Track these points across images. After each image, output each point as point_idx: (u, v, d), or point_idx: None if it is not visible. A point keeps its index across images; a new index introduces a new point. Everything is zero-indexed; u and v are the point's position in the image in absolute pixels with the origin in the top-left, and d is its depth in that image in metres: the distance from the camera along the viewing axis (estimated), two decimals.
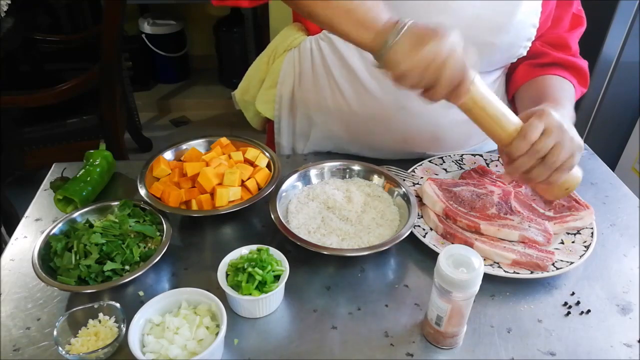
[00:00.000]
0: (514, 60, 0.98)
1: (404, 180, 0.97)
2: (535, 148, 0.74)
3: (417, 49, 0.66)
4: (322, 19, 0.73)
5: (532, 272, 0.79)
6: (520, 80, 1.02)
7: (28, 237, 0.88)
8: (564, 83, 0.97)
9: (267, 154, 0.97)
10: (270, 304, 0.74)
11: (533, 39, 0.94)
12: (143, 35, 2.96)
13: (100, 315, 0.71)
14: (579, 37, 1.02)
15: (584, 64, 1.01)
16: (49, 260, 0.78)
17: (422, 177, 0.99)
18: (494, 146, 1.09)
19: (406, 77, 0.69)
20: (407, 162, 1.04)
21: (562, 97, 0.91)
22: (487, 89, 0.74)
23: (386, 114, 0.98)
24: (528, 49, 0.95)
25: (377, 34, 0.69)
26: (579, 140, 0.77)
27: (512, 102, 1.06)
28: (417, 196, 0.93)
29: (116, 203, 0.87)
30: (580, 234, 0.88)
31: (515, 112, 0.83)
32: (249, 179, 0.91)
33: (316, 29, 0.99)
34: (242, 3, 0.80)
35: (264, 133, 1.21)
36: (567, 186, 0.81)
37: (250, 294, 0.71)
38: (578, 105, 1.88)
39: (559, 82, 0.96)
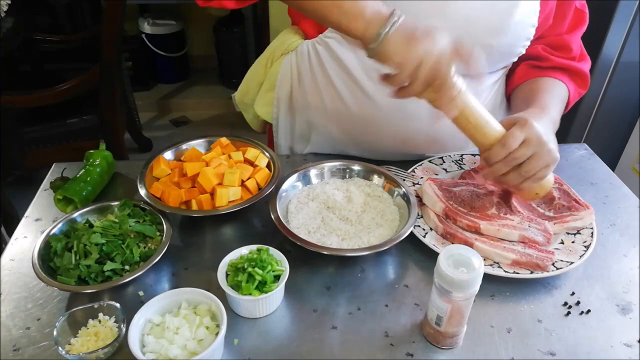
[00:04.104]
0: (515, 59, 0.98)
1: (404, 180, 0.97)
2: (513, 156, 0.77)
3: (409, 45, 0.68)
4: (312, 9, 0.73)
5: (532, 272, 0.79)
6: (518, 80, 1.03)
7: (28, 237, 0.88)
8: (558, 86, 0.98)
9: (267, 154, 0.97)
10: (270, 304, 0.74)
11: (532, 38, 0.93)
12: (143, 35, 2.96)
13: (100, 315, 0.71)
14: (580, 35, 1.01)
15: (586, 66, 1.02)
16: (49, 260, 0.78)
17: (422, 177, 0.99)
18: None
19: (397, 70, 0.70)
20: (407, 162, 1.04)
21: (550, 102, 0.93)
22: (472, 97, 0.76)
23: (384, 116, 0.98)
24: (527, 46, 0.95)
25: (368, 24, 0.69)
26: (555, 152, 0.80)
27: (508, 99, 1.06)
28: (417, 196, 0.93)
29: (116, 203, 0.87)
30: (580, 234, 0.88)
31: (509, 110, 0.84)
32: (249, 179, 0.91)
33: (313, 32, 0.98)
34: (228, 4, 0.79)
35: (264, 134, 1.20)
36: (537, 191, 0.85)
37: (250, 294, 0.71)
38: (578, 105, 1.89)
39: (552, 86, 0.98)
